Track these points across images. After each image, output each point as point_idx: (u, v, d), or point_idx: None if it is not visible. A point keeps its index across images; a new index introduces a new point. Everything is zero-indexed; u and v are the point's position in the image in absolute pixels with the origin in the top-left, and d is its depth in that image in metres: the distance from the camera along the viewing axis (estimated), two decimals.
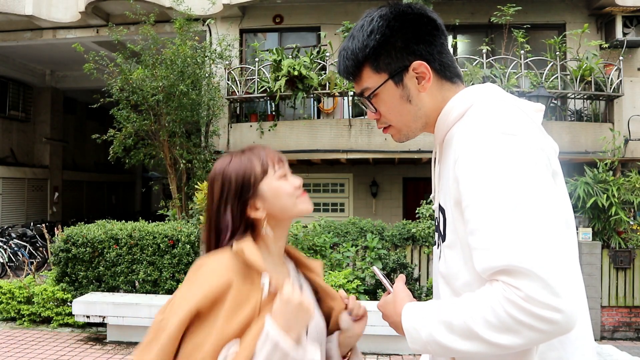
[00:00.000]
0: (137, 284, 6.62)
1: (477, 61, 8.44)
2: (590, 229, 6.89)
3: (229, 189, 1.27)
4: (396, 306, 1.13)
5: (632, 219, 7.27)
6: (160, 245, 6.48)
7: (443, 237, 1.13)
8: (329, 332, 1.36)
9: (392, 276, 6.74)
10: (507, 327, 0.91)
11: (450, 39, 9.66)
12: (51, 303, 6.67)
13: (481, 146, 0.99)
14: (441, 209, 1.14)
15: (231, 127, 9.33)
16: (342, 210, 10.42)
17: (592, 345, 1.08)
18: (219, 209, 1.28)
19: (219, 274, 1.16)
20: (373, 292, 6.46)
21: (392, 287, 1.20)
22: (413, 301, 1.12)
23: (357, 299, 6.00)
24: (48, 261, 9.13)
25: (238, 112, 9.96)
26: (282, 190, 1.28)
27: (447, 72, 1.16)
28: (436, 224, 1.22)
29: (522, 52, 8.41)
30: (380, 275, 1.26)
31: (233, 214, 1.26)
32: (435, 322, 1.00)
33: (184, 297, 1.15)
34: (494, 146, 0.98)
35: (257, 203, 1.28)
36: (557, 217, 0.98)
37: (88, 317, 6.03)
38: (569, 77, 8.65)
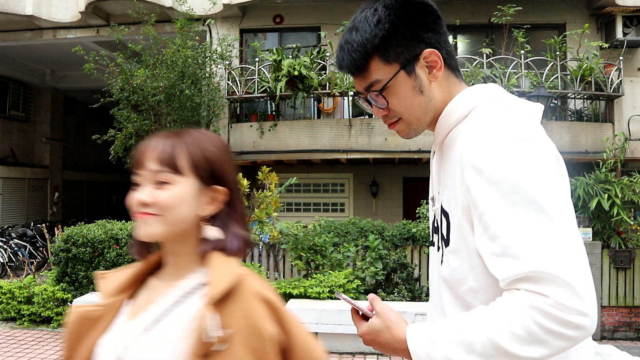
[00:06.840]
0: None
1: (477, 61, 8.44)
2: (590, 229, 6.88)
3: None
4: (393, 331, 1.04)
5: (632, 219, 7.26)
6: None
7: (446, 242, 1.10)
8: None
9: (392, 276, 6.74)
10: (535, 338, 0.88)
11: (450, 39, 9.64)
12: (51, 303, 6.67)
13: (495, 152, 0.97)
14: (444, 212, 1.11)
15: (231, 127, 9.33)
16: (342, 210, 10.42)
17: (592, 344, 1.08)
18: None
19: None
20: (373, 292, 6.46)
21: (370, 311, 1.09)
22: (407, 324, 1.04)
23: (357, 298, 5.93)
24: (48, 261, 9.13)
25: (238, 112, 9.96)
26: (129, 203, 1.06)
27: (452, 61, 1.15)
28: (435, 225, 1.18)
29: (522, 52, 8.41)
30: (350, 301, 1.10)
31: None
32: (449, 343, 0.94)
33: None
34: (509, 152, 0.96)
35: None
36: (574, 220, 0.97)
37: None
38: (569, 77, 8.65)
